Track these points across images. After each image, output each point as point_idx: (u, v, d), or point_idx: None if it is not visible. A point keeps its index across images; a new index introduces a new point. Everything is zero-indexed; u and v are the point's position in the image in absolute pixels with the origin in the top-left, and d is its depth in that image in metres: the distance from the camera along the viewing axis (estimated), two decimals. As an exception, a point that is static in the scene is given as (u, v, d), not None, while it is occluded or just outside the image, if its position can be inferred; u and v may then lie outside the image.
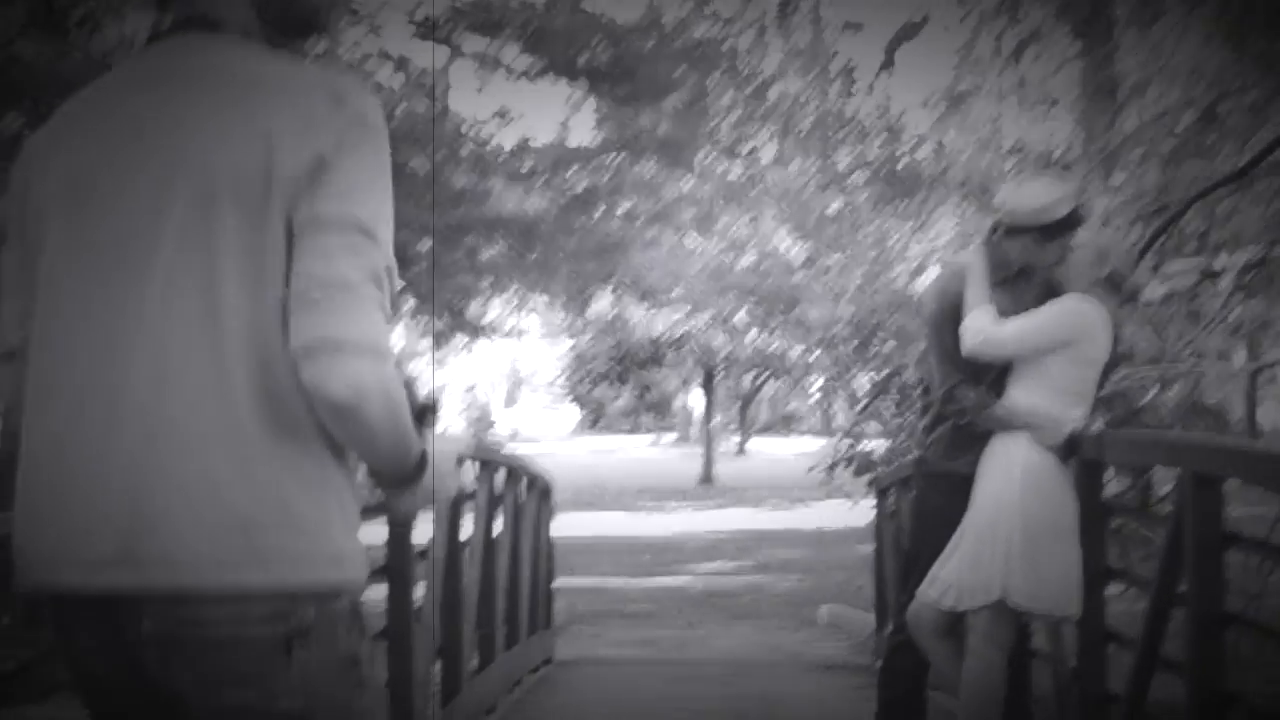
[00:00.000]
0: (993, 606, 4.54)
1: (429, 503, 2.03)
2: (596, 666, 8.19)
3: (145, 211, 1.87)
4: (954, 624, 4.72)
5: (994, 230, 4.86)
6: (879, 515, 8.37)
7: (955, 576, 4.61)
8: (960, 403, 4.72)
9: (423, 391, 1.99)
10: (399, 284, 1.93)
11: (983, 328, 4.64)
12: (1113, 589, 4.83)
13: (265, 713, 1.84)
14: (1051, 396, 4.63)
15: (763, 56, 19.05)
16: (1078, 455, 4.64)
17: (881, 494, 8.34)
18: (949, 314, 4.75)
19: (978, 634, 4.61)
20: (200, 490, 1.80)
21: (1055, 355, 4.62)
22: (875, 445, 11.92)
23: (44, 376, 1.92)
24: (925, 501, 5.01)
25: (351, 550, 1.91)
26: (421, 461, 1.97)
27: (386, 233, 1.88)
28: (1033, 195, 4.68)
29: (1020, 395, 4.67)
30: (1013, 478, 4.57)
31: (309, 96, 1.89)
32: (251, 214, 1.84)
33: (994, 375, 4.75)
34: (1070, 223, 4.68)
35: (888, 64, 8.62)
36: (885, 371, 10.48)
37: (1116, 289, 4.71)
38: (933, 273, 10.14)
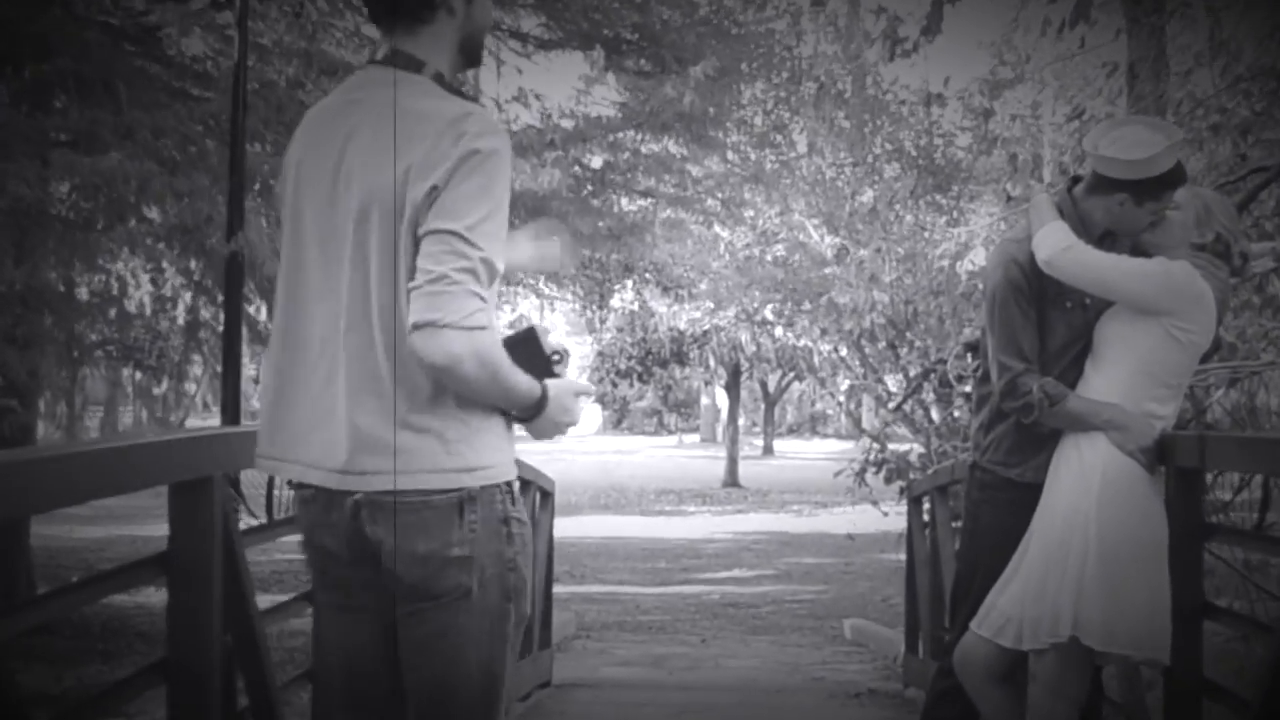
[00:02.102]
0: (1061, 647, 3.69)
1: (559, 431, 2.61)
2: (595, 692, 7.32)
3: (330, 218, 2.53)
4: (1012, 666, 3.87)
5: (1073, 184, 4.01)
6: (911, 526, 7.48)
7: (1016, 608, 3.77)
8: (1025, 396, 3.87)
9: (553, 343, 2.63)
10: (500, 271, 2.46)
11: (1067, 238, 3.82)
12: (1212, 627, 3.91)
13: (444, 558, 2.52)
14: (1141, 386, 3.80)
15: (798, 40, 18.35)
16: (1170, 462, 3.78)
17: (915, 502, 7.46)
18: (1016, 285, 3.92)
19: (1042, 681, 3.77)
20: (379, 423, 2.49)
21: (1148, 329, 3.78)
22: (908, 446, 11.03)
23: (280, 332, 2.63)
24: (980, 515, 4.13)
25: (482, 459, 2.53)
26: (542, 400, 2.57)
27: (486, 237, 2.42)
28: (1133, 143, 3.80)
29: (1101, 384, 3.84)
30: (1088, 489, 3.74)
31: (440, 137, 2.43)
32: (389, 227, 2.46)
33: (1068, 361, 3.92)
34: (1172, 179, 3.82)
35: (933, 29, 7.72)
36: (922, 365, 9.48)
37: (1224, 258, 3.83)
38: (979, 255, 9.17)
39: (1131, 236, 3.89)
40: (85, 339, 11.94)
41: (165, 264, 8.72)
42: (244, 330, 8.82)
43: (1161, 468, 3.80)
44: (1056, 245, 3.81)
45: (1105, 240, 3.92)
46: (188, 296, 9.62)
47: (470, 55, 2.65)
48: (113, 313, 10.02)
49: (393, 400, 2.46)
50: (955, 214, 16.94)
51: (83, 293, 10.45)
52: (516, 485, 2.62)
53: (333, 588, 2.68)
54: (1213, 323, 3.82)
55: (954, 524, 6.14)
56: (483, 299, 2.41)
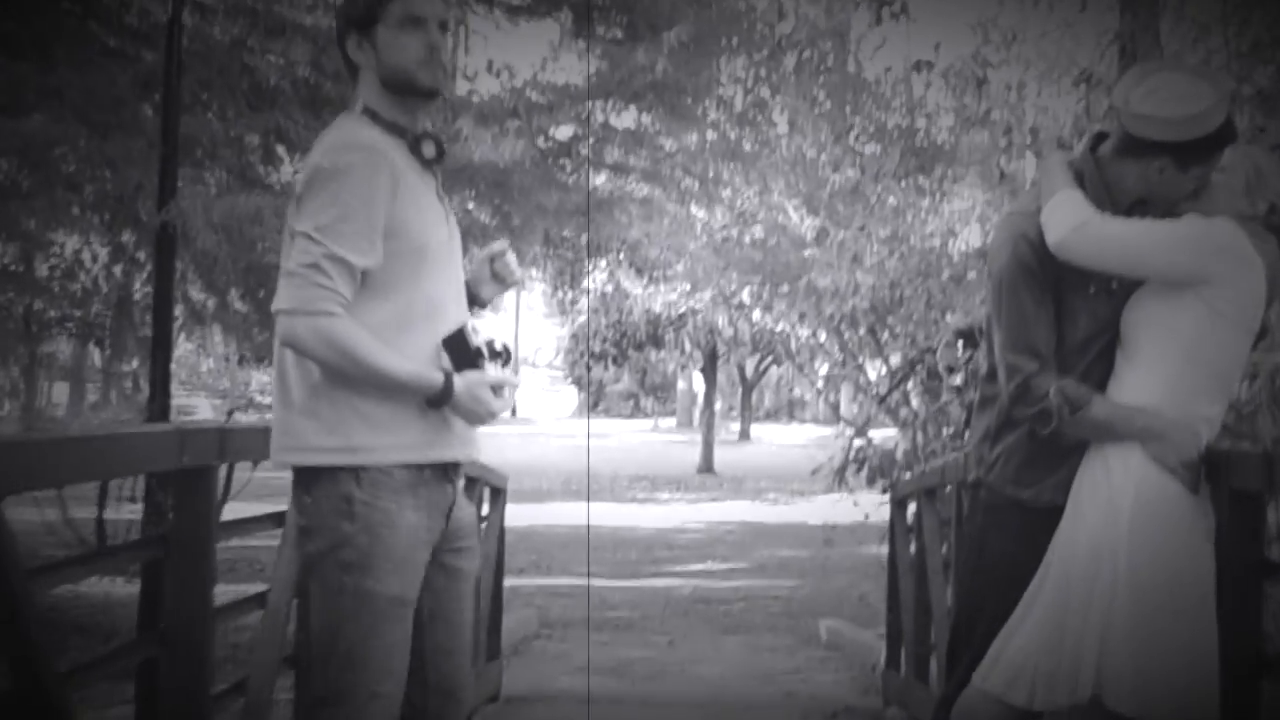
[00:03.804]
0: (1082, 709, 3.08)
1: (480, 419, 2.98)
2: (548, 707, 6.73)
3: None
4: (1022, 729, 3.21)
5: (1097, 142, 3.38)
6: (894, 531, 6.92)
7: (1027, 659, 3.16)
8: (1040, 402, 3.23)
9: (480, 340, 2.95)
10: (356, 266, 2.82)
11: (1080, 212, 3.20)
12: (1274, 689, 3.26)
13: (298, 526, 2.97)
14: (1184, 380, 3.18)
15: (779, 17, 17.77)
16: (1222, 483, 3.13)
17: (898, 504, 6.89)
18: (1026, 267, 3.29)
19: (1057, 745, 3.14)
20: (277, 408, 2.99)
21: (1186, 306, 3.16)
22: (887, 436, 10.44)
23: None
24: (985, 545, 3.46)
25: (346, 440, 2.88)
26: (446, 389, 2.91)
27: (335, 236, 2.81)
28: (1174, 97, 3.17)
29: (1135, 382, 3.22)
30: (1117, 513, 3.13)
31: (311, 156, 2.96)
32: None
33: (1092, 357, 3.29)
34: (1221, 138, 3.20)
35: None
36: (905, 354, 8.80)
37: (1278, 231, 3.23)
38: (974, 234, 8.49)
39: (1168, 205, 3.27)
40: (44, 315, 11.38)
41: (92, 236, 8.07)
42: (183, 308, 8.23)
43: (1208, 487, 3.17)
44: (1067, 222, 3.20)
45: (1136, 209, 3.29)
46: (119, 271, 8.98)
47: (402, 87, 3.01)
48: (57, 287, 9.43)
49: (287, 387, 2.92)
50: (938, 195, 16.44)
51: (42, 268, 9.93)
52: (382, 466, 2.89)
53: None
54: (1263, 295, 3.21)
55: (942, 529, 5.57)
56: (330, 289, 2.79)
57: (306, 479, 2.88)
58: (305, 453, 2.87)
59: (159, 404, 7.45)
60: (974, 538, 3.54)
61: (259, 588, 4.02)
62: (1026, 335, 3.28)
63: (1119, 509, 3.13)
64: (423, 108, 3.06)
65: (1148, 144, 3.21)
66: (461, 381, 2.90)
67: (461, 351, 2.92)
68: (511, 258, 3.28)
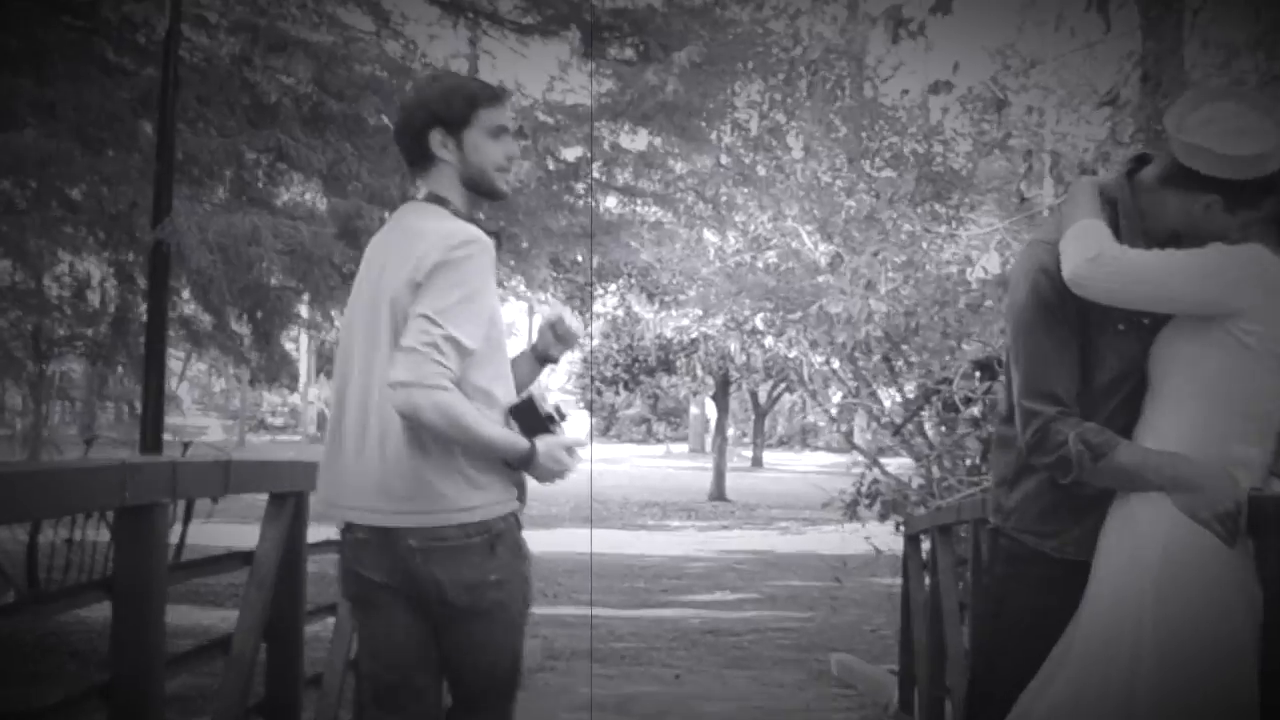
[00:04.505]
0: None
1: (557, 477, 3.30)
2: (546, 746, 6.48)
3: (359, 309, 3.32)
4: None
5: (1137, 164, 3.10)
6: (908, 568, 6.66)
7: None
8: (1059, 449, 2.95)
9: (548, 406, 3.30)
10: (470, 348, 3.14)
11: (1096, 242, 2.92)
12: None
13: (484, 583, 3.26)
14: (1217, 422, 2.91)
15: (795, 42, 17.61)
16: (1267, 531, 2.82)
17: (912, 540, 6.64)
18: (1045, 304, 3.01)
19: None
20: (403, 470, 3.22)
21: (1216, 342, 2.89)
22: (902, 465, 10.15)
23: (335, 393, 3.38)
24: (1006, 597, 3.18)
25: (480, 499, 3.24)
26: (530, 453, 3.24)
27: (453, 319, 3.11)
28: (1234, 131, 2.87)
29: (1165, 426, 2.95)
30: (1144, 570, 2.87)
31: (431, 247, 3.15)
32: (398, 315, 3.21)
33: (1119, 400, 3.02)
34: (1277, 185, 2.91)
35: (944, 7, 6.93)
36: (921, 384, 8.50)
37: None
38: (992, 261, 8.18)
39: (1202, 244, 2.98)
40: (52, 333, 11.20)
41: (88, 254, 7.88)
42: (180, 327, 8.03)
43: (1248, 540, 2.86)
44: (1082, 253, 2.91)
45: (1169, 244, 3.00)
46: (113, 289, 8.79)
47: (480, 189, 3.32)
48: (67, 308, 9.22)
49: (427, 455, 3.20)
50: (954, 224, 16.23)
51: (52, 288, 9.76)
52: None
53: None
54: None
55: (958, 568, 5.32)
56: (445, 366, 3.09)
57: (495, 537, 3.24)
58: (486, 509, 3.23)
59: (152, 427, 7.26)
60: (993, 589, 3.26)
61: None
62: (1045, 378, 2.99)
63: (1145, 565, 2.86)
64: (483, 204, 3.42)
65: (1197, 177, 2.91)
66: (542, 445, 3.24)
67: (532, 418, 3.26)
68: (569, 319, 3.58)
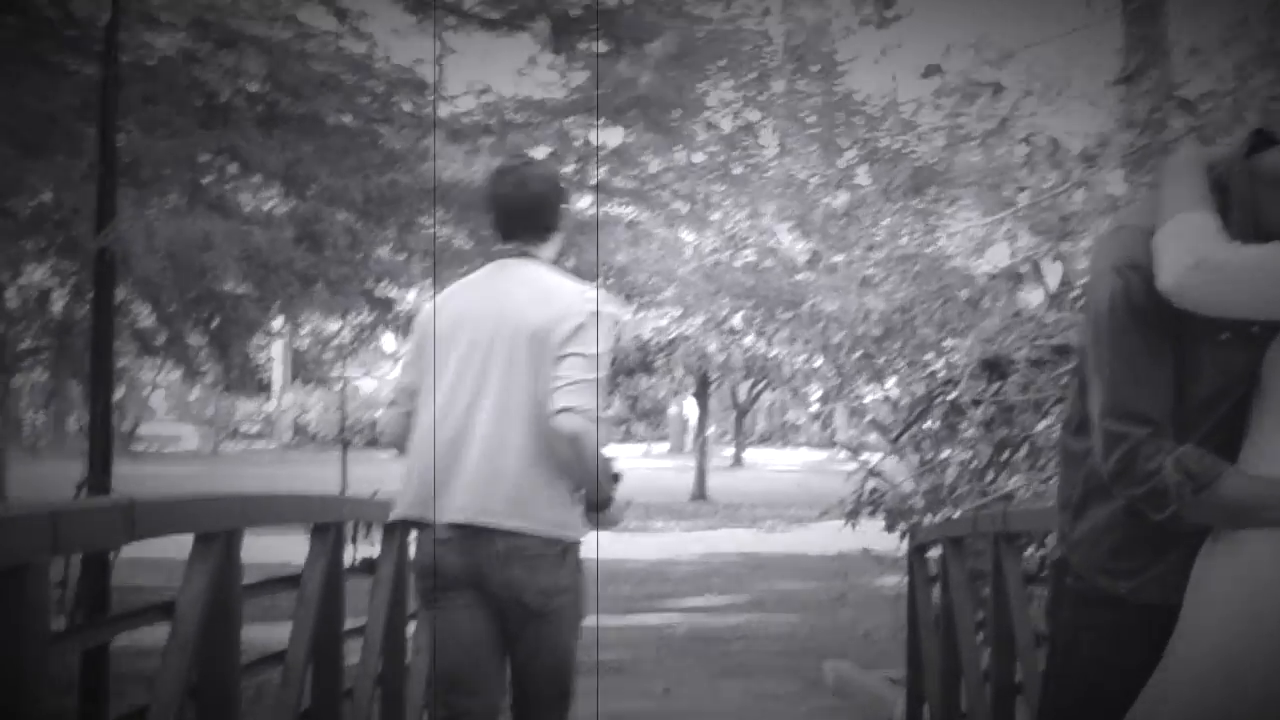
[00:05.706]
0: None
1: (611, 526, 3.97)
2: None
3: (484, 342, 3.87)
4: None
5: (1260, 140, 2.53)
6: (914, 582, 6.27)
7: None
8: (1153, 478, 2.45)
9: (615, 466, 3.95)
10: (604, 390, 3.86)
11: (1204, 246, 2.38)
12: None
13: (555, 588, 3.85)
14: None
15: (769, 39, 17.29)
16: None
17: (918, 551, 6.25)
18: (1136, 308, 2.48)
19: None
20: (513, 485, 3.80)
21: None
22: (890, 465, 9.73)
23: (427, 414, 3.92)
24: (1076, 647, 2.67)
25: (568, 518, 3.86)
26: (608, 500, 3.90)
27: (601, 364, 3.80)
28: None
29: (1277, 450, 2.44)
30: (1256, 624, 2.37)
31: (576, 300, 3.83)
32: (536, 349, 3.82)
33: (1218, 419, 2.52)
34: None
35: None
36: (927, 387, 8.05)
37: None
38: (1000, 252, 7.60)
39: None
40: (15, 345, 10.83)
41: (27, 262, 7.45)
42: (133, 340, 7.60)
43: None
44: (1182, 259, 2.38)
45: (1273, 236, 2.46)
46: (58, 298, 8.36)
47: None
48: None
49: (548, 475, 3.81)
50: (933, 219, 15.92)
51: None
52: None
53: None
54: None
55: (973, 584, 4.93)
56: (586, 404, 3.71)
57: (566, 550, 3.83)
58: (573, 529, 3.85)
59: (99, 444, 6.82)
60: (1059, 636, 2.76)
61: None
62: (1135, 395, 2.49)
63: (1256, 617, 2.37)
64: None
65: None
66: (619, 497, 3.93)
67: (607, 474, 3.88)
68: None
